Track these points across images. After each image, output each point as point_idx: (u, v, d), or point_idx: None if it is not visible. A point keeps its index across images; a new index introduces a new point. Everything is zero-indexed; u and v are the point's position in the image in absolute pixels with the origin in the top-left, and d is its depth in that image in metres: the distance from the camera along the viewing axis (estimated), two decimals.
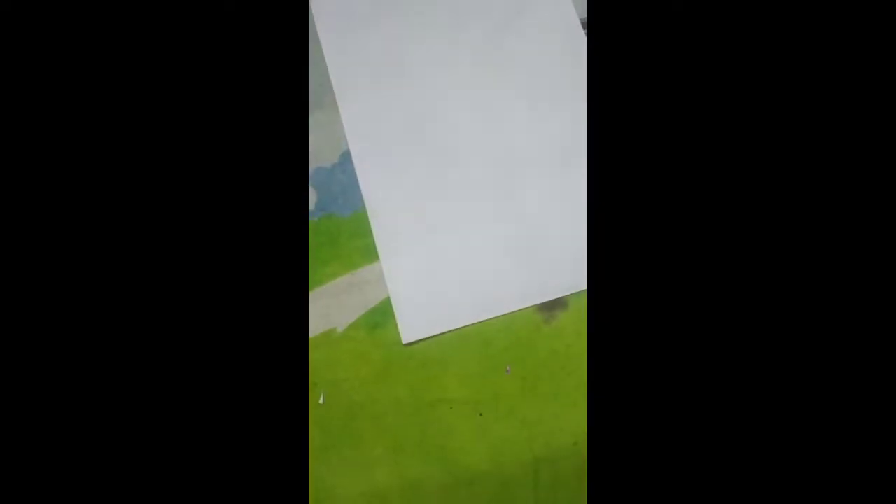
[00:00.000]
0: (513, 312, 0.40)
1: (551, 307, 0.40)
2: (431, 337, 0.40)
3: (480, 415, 0.39)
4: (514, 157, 0.43)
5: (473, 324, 0.40)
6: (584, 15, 0.44)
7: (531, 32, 0.44)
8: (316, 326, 0.40)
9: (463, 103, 0.43)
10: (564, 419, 0.38)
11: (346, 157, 0.43)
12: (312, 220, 0.42)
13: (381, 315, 0.41)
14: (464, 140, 0.43)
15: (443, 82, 0.43)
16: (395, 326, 0.40)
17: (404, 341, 0.40)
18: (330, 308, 0.40)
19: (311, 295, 0.41)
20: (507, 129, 0.43)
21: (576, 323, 0.40)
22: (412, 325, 0.41)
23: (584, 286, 0.40)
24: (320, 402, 0.39)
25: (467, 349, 0.40)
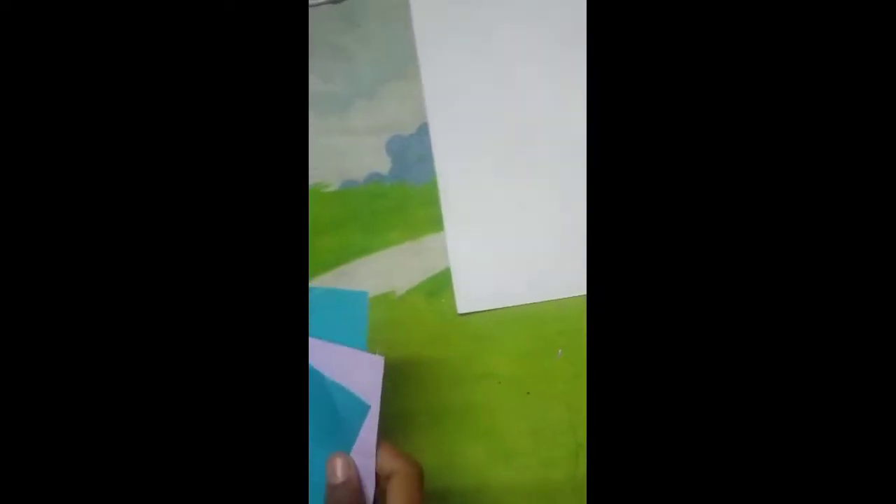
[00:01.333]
0: (568, 298, 0.40)
1: None
2: (486, 311, 0.40)
3: (528, 394, 0.38)
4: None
5: (529, 304, 0.40)
6: None
7: None
8: (377, 286, 0.40)
9: (546, 86, 0.42)
10: None
11: (423, 128, 0.42)
12: (385, 184, 0.41)
13: (440, 284, 0.40)
14: (542, 124, 0.42)
15: (527, 64, 0.42)
16: (452, 297, 0.40)
17: (459, 311, 0.39)
18: (392, 271, 0.40)
19: (376, 256, 0.40)
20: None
21: None
22: (468, 297, 0.40)
23: None
24: None
25: (520, 328, 0.39)
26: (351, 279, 0.40)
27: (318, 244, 0.41)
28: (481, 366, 0.39)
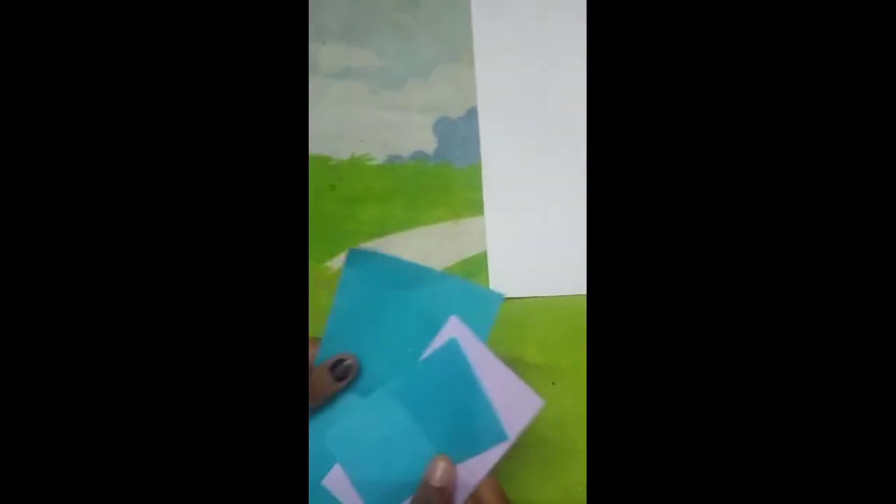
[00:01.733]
0: None
1: None
2: (518, 298, 0.40)
3: (553, 384, 0.38)
4: None
5: (562, 296, 0.40)
6: None
7: None
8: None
9: None
10: None
11: (472, 113, 0.42)
12: (428, 163, 0.41)
13: (476, 267, 0.40)
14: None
15: (580, 56, 0.42)
16: (486, 280, 0.40)
17: None
18: (429, 248, 0.40)
19: (415, 231, 0.40)
20: None
21: None
22: (503, 283, 0.40)
23: None
24: None
25: (551, 319, 0.39)
26: (388, 252, 0.40)
27: (359, 214, 0.41)
28: (509, 351, 0.39)
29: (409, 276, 0.32)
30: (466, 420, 0.29)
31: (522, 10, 0.43)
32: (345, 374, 0.30)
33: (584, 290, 0.39)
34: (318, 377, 0.30)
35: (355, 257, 0.32)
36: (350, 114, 0.42)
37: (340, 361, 0.30)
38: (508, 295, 0.39)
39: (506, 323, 0.39)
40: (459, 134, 0.42)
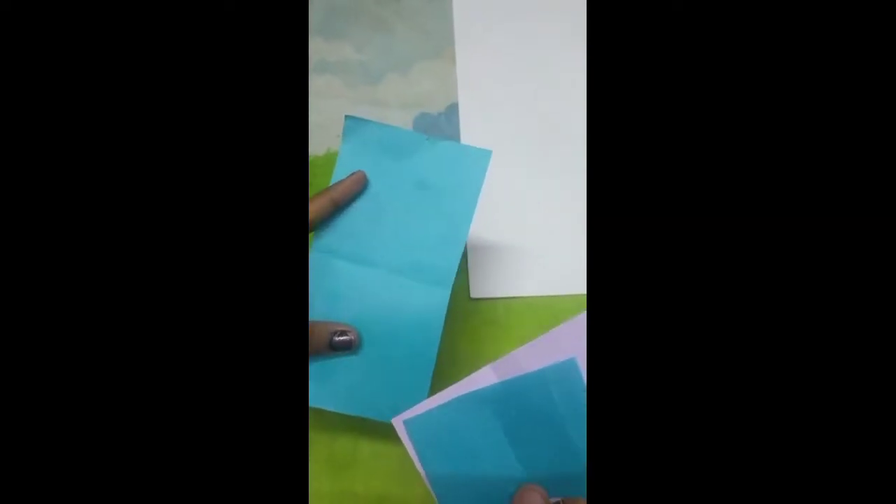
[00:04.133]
0: (581, 294, 0.38)
1: None
2: (498, 298, 0.39)
3: None
4: None
5: (541, 296, 0.39)
6: None
7: None
8: None
9: (581, 80, 0.42)
10: None
11: (452, 108, 0.41)
12: None
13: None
14: (572, 119, 0.41)
15: (566, 60, 0.42)
16: (466, 280, 0.38)
17: (472, 296, 0.38)
18: None
19: None
20: None
21: None
22: (483, 283, 0.39)
23: None
24: None
25: (530, 319, 0.38)
26: None
27: None
28: (488, 351, 0.37)
29: (402, 143, 0.33)
30: (573, 455, 0.27)
31: (504, 6, 0.42)
32: (342, 347, 0.32)
33: (563, 291, 0.38)
34: (318, 335, 0.31)
35: (353, 126, 0.33)
36: (326, 108, 0.41)
37: (343, 333, 0.32)
38: (489, 294, 0.38)
39: (485, 323, 0.38)
40: (440, 130, 0.41)
